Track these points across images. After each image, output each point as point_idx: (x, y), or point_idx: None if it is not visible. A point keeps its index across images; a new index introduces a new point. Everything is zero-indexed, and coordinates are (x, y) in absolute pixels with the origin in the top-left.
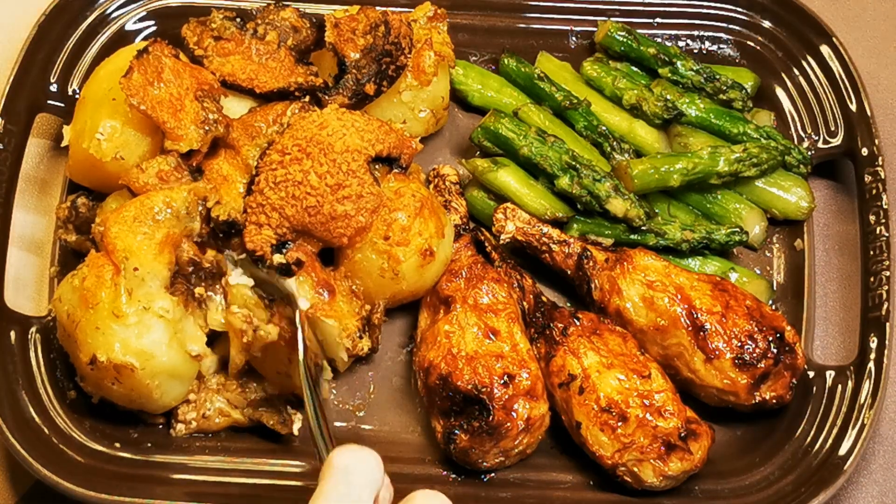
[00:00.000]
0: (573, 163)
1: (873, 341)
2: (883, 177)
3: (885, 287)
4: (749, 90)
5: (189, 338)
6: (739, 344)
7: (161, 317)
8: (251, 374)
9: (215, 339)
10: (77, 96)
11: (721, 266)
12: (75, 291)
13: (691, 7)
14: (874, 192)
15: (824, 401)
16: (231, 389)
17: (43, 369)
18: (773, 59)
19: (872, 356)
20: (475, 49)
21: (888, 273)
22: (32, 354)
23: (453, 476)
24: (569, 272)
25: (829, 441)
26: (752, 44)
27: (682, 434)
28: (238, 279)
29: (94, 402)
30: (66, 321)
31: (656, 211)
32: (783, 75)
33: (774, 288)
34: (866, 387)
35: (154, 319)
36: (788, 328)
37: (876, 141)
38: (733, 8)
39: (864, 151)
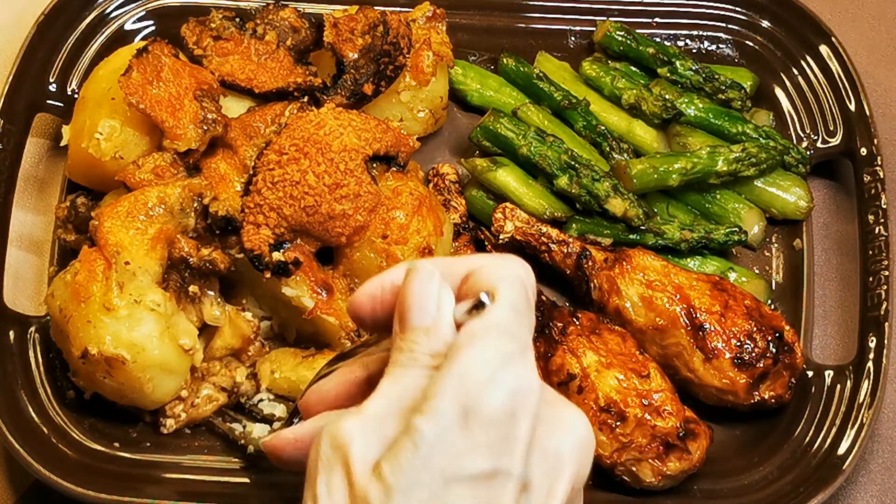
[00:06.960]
0: (572, 162)
1: (872, 341)
2: (882, 176)
3: (884, 287)
4: (748, 90)
5: (181, 332)
6: (738, 343)
7: (152, 310)
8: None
9: (203, 332)
10: (76, 96)
11: (720, 266)
12: (67, 286)
13: (690, 7)
14: (873, 191)
15: (823, 400)
16: (216, 371)
17: (42, 369)
18: (772, 58)
19: (871, 356)
20: (474, 49)
21: (887, 273)
22: (31, 354)
23: None
24: (568, 272)
25: (828, 440)
26: (750, 43)
27: (681, 434)
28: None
29: (87, 398)
30: (58, 316)
31: (655, 210)
32: (782, 75)
33: (773, 287)
34: (865, 386)
35: (145, 313)
36: (787, 328)
37: (875, 141)
38: (732, 8)
39: (863, 151)
